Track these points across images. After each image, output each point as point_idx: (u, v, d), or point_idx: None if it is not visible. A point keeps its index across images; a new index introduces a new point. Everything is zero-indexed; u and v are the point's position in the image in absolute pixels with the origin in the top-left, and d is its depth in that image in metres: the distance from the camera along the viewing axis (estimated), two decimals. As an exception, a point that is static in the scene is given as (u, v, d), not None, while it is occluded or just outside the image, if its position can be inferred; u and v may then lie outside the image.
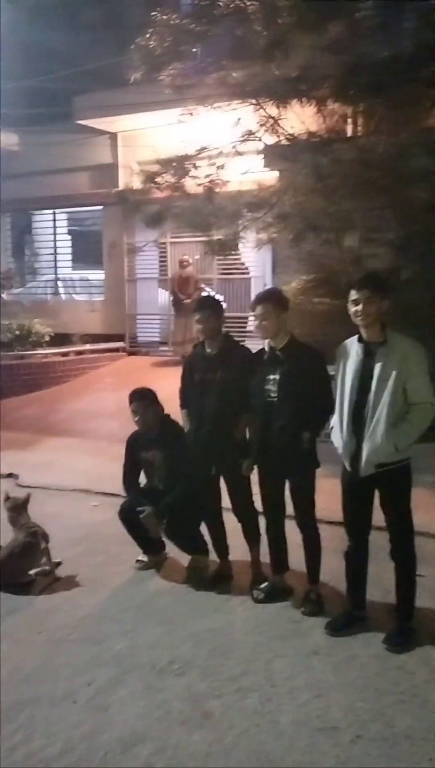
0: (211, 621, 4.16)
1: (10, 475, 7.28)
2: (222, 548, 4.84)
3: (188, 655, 3.76)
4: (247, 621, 4.17)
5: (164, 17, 7.34)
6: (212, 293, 12.70)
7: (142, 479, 5.02)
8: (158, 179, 8.27)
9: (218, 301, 4.98)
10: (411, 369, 3.72)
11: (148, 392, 4.87)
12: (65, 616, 4.25)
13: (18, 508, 4.87)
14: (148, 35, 7.36)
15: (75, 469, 7.67)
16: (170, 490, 4.70)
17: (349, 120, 8.17)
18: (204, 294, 11.88)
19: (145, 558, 4.99)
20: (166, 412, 4.89)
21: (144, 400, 4.81)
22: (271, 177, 8.88)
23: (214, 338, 4.60)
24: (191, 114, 7.95)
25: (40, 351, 11.97)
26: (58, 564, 4.88)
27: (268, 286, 12.23)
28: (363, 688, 3.45)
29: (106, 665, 3.67)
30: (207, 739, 3.05)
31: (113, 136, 13.17)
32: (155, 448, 4.81)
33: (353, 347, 3.91)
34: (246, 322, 13.07)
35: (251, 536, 4.73)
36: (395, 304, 7.37)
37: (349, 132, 8.19)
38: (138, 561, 4.98)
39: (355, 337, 3.92)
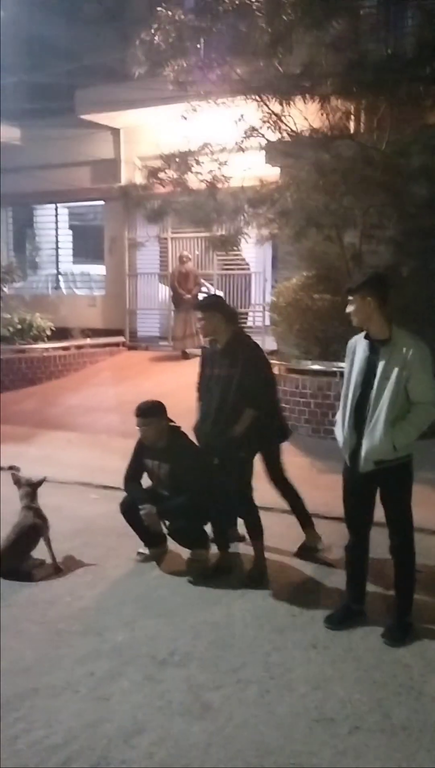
0: (211, 613, 4.20)
1: (11, 468, 7.30)
2: (223, 540, 4.89)
3: (188, 647, 3.79)
4: (246, 613, 4.20)
5: (169, 13, 7.38)
6: (211, 289, 12.76)
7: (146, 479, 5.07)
8: (161, 175, 8.31)
9: (217, 301, 5.04)
10: (413, 368, 3.72)
11: (152, 408, 4.81)
12: (66, 608, 4.28)
13: (34, 487, 4.99)
14: (152, 31, 7.38)
15: (74, 462, 7.71)
16: (173, 498, 4.74)
17: (352, 117, 8.21)
18: (204, 293, 11.93)
19: (145, 550, 5.02)
20: (177, 425, 4.87)
21: (147, 416, 4.77)
22: (273, 173, 8.91)
23: (217, 336, 4.64)
24: (194, 110, 7.97)
25: (40, 345, 11.99)
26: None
27: (269, 281, 12.28)
28: (360, 681, 3.49)
29: (106, 656, 3.71)
30: (207, 730, 3.09)
31: (115, 131, 13.17)
32: (161, 459, 4.82)
33: (360, 344, 3.93)
34: (246, 318, 13.12)
35: (253, 530, 4.78)
36: (395, 299, 7.45)
37: (352, 129, 8.23)
38: (139, 553, 5.02)
39: (363, 333, 3.94)
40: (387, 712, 3.24)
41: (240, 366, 4.55)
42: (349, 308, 3.87)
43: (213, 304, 4.84)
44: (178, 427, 4.88)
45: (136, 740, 3.02)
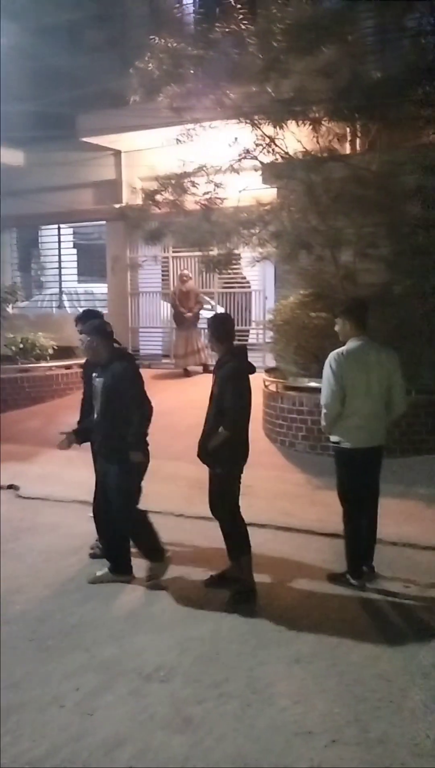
0: (198, 629, 4.29)
1: (10, 487, 7.43)
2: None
3: (174, 662, 3.88)
4: (232, 629, 4.28)
5: (163, 41, 7.55)
6: (215, 306, 12.90)
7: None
8: (157, 197, 8.47)
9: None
10: None
11: (86, 314, 5.30)
12: (57, 624, 4.38)
13: None
14: (146, 59, 7.57)
15: (75, 480, 7.78)
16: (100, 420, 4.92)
17: (345, 139, 8.36)
18: (207, 311, 12.07)
19: (101, 572, 5.05)
20: (122, 347, 5.26)
21: (78, 323, 5.23)
22: (269, 194, 9.06)
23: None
24: (189, 135, 8.14)
25: (43, 364, 12.14)
26: None
27: (269, 299, 12.40)
28: (341, 695, 3.57)
29: (94, 671, 3.81)
30: (186, 743, 3.17)
31: (117, 154, 13.39)
32: (101, 374, 4.95)
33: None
34: (247, 336, 13.24)
35: (239, 547, 4.87)
36: (389, 318, 7.58)
37: (345, 150, 8.37)
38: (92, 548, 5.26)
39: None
40: (365, 726, 3.32)
41: (218, 385, 4.72)
42: (336, 327, 4.98)
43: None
44: (125, 349, 5.17)
45: (116, 753, 3.11)
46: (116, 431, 4.84)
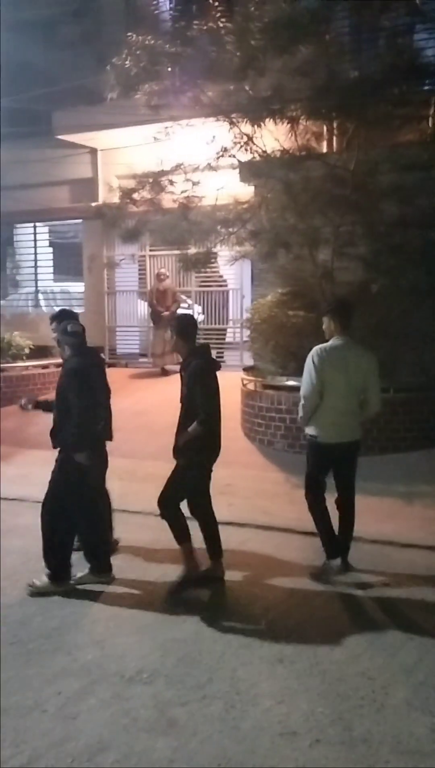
0: (180, 630, 4.27)
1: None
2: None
3: (156, 664, 3.85)
4: (214, 630, 4.27)
5: (139, 38, 7.50)
6: (192, 305, 12.88)
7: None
8: (135, 195, 8.41)
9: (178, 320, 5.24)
10: None
11: (60, 314, 5.30)
12: (38, 627, 4.33)
13: None
14: (123, 55, 7.51)
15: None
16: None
17: (322, 138, 8.38)
18: (184, 309, 12.06)
19: (39, 581, 4.88)
20: (91, 347, 5.30)
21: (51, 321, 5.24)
22: (247, 192, 9.05)
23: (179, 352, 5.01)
24: (167, 132, 8.09)
25: (20, 363, 12.01)
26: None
27: (246, 297, 12.41)
28: (324, 694, 3.57)
29: (75, 675, 3.76)
30: (171, 746, 3.15)
31: (93, 151, 13.30)
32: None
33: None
34: (224, 334, 13.22)
35: (211, 543, 5.01)
36: (366, 317, 7.62)
37: (323, 149, 8.39)
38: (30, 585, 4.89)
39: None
40: (348, 724, 3.32)
41: (187, 384, 4.83)
42: (323, 326, 5.16)
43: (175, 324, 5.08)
44: (92, 348, 5.32)
45: (100, 758, 3.07)
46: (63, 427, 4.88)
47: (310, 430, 5.09)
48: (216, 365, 4.97)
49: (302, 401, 5.10)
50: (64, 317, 5.23)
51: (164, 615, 4.50)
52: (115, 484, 5.76)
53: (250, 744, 3.17)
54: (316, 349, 5.01)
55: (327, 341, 5.09)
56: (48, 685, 3.67)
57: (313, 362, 4.96)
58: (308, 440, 5.17)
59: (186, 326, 4.97)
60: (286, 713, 3.40)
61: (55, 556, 4.90)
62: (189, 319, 5.21)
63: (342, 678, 3.72)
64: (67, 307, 6.87)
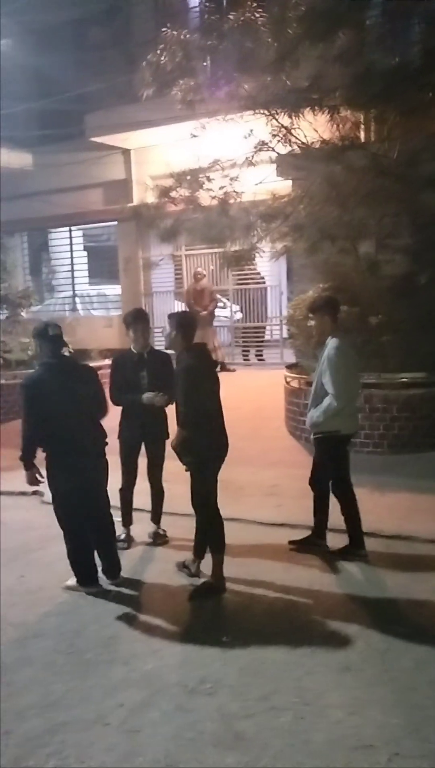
0: (236, 640, 4.11)
1: (35, 493, 7.28)
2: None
3: (218, 674, 3.72)
4: (275, 636, 4.12)
5: (174, 33, 7.38)
6: (229, 304, 12.76)
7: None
8: (172, 193, 8.31)
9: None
10: (323, 366, 5.02)
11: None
12: (93, 636, 4.23)
13: None
14: (158, 52, 7.40)
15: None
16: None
17: (362, 127, 8.17)
18: (221, 309, 11.94)
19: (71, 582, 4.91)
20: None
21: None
22: (285, 186, 8.88)
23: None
24: (203, 127, 7.97)
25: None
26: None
27: (284, 294, 12.25)
28: (396, 704, 3.40)
29: (136, 686, 3.65)
30: (241, 761, 3.02)
31: (126, 152, 13.26)
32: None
33: None
34: (263, 332, 13.07)
35: (214, 543, 4.90)
36: (411, 310, 7.41)
37: (362, 139, 8.18)
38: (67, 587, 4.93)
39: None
40: (425, 736, 3.15)
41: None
42: (311, 323, 5.37)
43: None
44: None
45: (169, 774, 2.95)
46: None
47: (329, 426, 5.08)
48: (211, 364, 4.99)
49: (335, 402, 4.95)
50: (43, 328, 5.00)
51: (219, 622, 4.36)
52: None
53: (324, 759, 3.01)
54: (342, 346, 5.01)
55: (319, 338, 5.26)
56: (108, 696, 3.56)
57: (344, 359, 4.98)
58: (327, 438, 5.15)
59: (185, 323, 4.89)
60: (358, 725, 3.24)
61: (77, 560, 4.86)
62: (189, 317, 5.23)
63: (413, 687, 3.55)
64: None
